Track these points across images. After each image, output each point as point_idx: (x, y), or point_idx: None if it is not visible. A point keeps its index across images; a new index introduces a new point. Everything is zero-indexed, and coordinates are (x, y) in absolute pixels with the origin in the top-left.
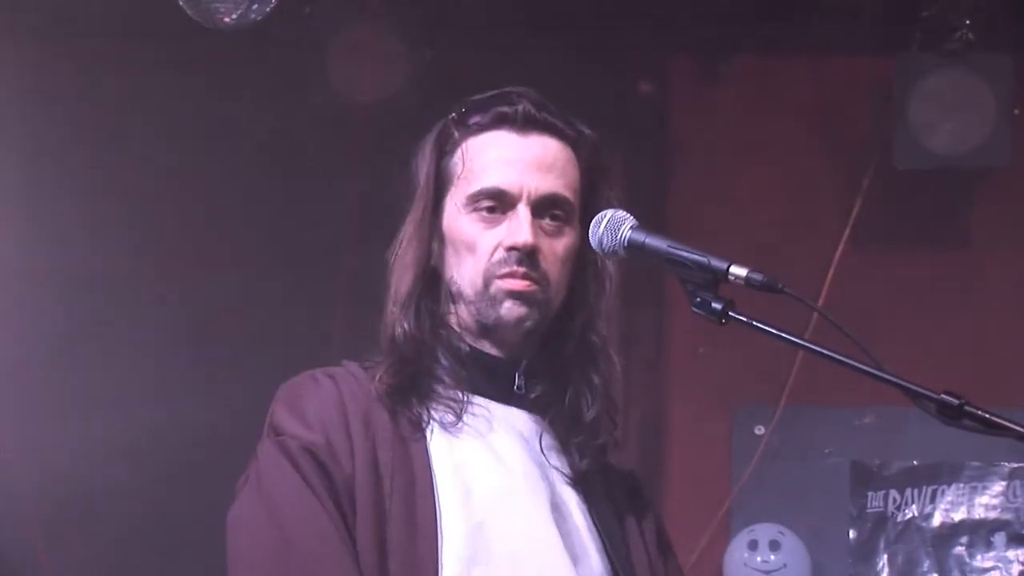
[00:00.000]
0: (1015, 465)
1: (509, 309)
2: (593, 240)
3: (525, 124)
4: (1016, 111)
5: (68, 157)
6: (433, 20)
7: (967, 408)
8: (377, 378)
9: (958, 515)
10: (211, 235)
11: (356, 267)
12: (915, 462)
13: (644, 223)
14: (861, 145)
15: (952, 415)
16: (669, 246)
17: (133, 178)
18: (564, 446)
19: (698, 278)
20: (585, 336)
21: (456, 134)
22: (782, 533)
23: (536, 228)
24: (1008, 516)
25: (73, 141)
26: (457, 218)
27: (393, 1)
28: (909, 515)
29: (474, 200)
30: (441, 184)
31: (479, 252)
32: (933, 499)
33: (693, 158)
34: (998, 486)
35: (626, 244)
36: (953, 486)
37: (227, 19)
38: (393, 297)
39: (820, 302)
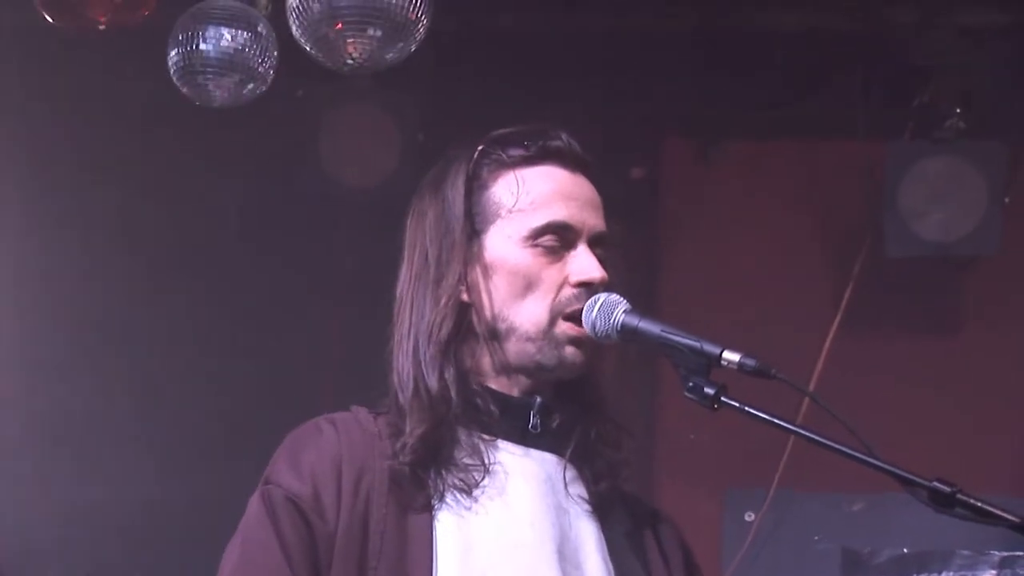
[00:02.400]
0: (1006, 554)
1: (573, 354)
2: (586, 324)
3: (574, 161)
4: (1007, 199)
5: (70, 230)
6: (425, 104)
7: (959, 496)
8: (399, 451)
9: None
10: (200, 316)
11: (345, 351)
12: (905, 550)
13: (637, 307)
14: (852, 231)
15: (944, 503)
16: (662, 331)
17: (123, 250)
18: (581, 477)
19: (691, 362)
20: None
21: (494, 165)
22: None
23: None
24: None
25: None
26: (512, 251)
27: (385, 85)
28: None
29: (538, 234)
30: (476, 216)
31: (543, 288)
32: None
33: (685, 241)
34: (988, 575)
35: (619, 328)
36: (944, 574)
37: (222, 97)
38: (416, 338)
39: (811, 387)
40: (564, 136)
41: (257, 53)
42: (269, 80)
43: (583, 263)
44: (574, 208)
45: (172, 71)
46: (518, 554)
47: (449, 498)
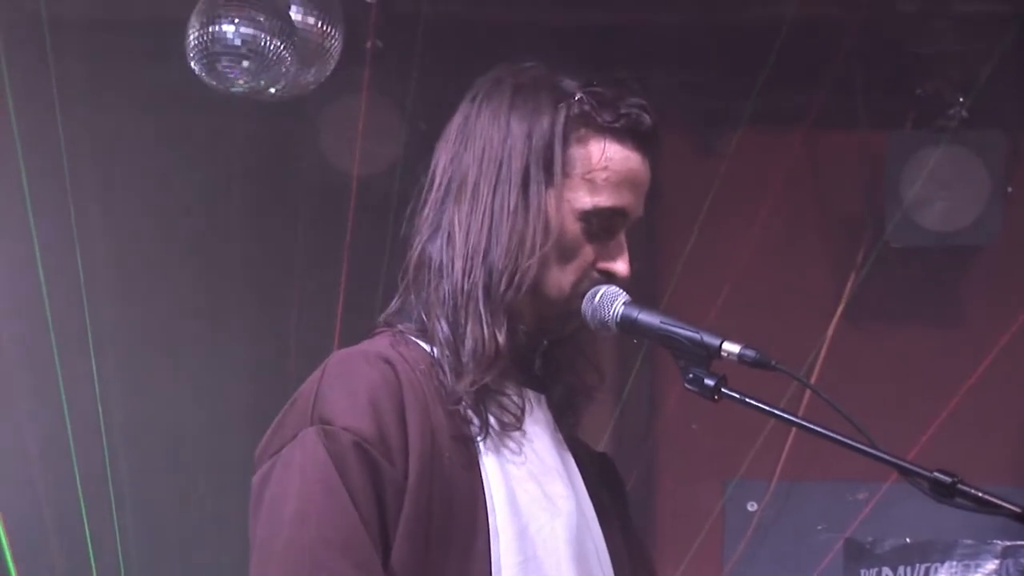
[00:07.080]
0: (1008, 543)
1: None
2: (586, 315)
3: (647, 142)
4: (1009, 189)
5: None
6: (428, 94)
7: (959, 486)
8: (460, 389)
9: None
10: (202, 303)
11: (349, 334)
12: (908, 539)
13: (636, 298)
14: (855, 221)
15: (945, 493)
16: (662, 322)
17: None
18: (560, 418)
19: (691, 354)
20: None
21: (583, 122)
22: None
23: None
24: None
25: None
26: (566, 215)
27: (387, 73)
28: None
29: (596, 214)
30: (554, 162)
31: (575, 263)
32: None
33: (686, 232)
34: (991, 564)
35: (618, 320)
36: (946, 564)
37: (241, 83)
38: (517, 249)
39: (813, 378)
40: (650, 116)
41: (279, 40)
42: (288, 68)
43: (615, 251)
44: (634, 198)
45: (190, 53)
46: (553, 504)
47: (490, 436)
